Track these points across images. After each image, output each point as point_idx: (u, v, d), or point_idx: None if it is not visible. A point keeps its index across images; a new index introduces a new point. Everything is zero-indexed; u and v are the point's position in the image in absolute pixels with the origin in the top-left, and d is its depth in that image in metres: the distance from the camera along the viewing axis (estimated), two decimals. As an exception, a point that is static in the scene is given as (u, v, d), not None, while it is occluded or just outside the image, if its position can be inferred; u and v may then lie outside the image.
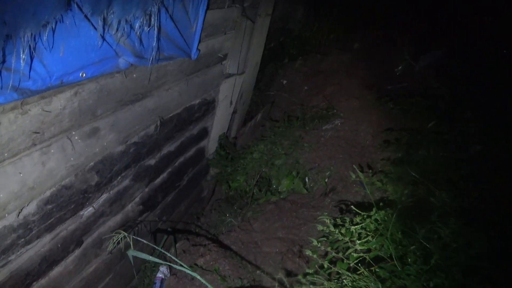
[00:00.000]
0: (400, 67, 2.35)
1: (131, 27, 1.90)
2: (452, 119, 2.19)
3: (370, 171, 2.66)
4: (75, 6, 1.45)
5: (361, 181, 2.66)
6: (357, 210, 1.56)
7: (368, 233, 1.48)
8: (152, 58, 2.20)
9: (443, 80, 2.96)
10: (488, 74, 2.74)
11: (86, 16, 1.54)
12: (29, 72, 1.40)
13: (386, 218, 1.50)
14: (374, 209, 1.56)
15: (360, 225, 1.51)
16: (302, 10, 6.14)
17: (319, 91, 4.53)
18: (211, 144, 3.91)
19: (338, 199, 2.94)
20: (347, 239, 1.48)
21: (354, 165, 3.07)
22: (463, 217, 1.45)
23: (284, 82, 5.16)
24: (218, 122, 3.90)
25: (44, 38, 1.36)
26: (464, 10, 4.26)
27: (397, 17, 5.46)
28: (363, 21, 5.86)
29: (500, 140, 1.60)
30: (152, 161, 2.76)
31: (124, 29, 1.84)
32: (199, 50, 2.78)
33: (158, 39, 2.17)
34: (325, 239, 1.71)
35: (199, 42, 2.73)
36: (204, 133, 3.64)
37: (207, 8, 2.62)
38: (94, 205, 2.16)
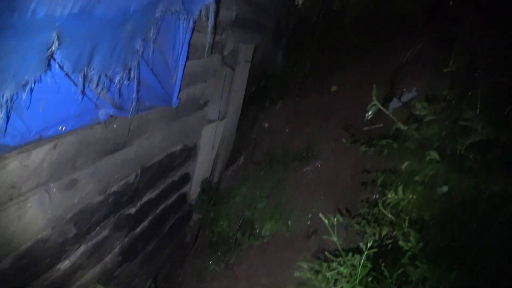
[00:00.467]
0: (370, 112, 2.46)
1: (111, 81, 1.97)
2: (421, 159, 2.29)
3: (348, 216, 2.72)
4: (56, 65, 1.52)
5: (342, 224, 2.70)
6: (331, 257, 1.59)
7: (344, 278, 1.50)
8: (132, 109, 2.26)
9: (411, 121, 3.11)
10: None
11: (67, 74, 1.60)
12: (7, 128, 1.43)
13: (359, 263, 1.53)
14: (349, 254, 1.58)
15: (336, 271, 1.53)
16: (282, 54, 6.41)
17: (299, 133, 4.64)
18: (193, 190, 3.91)
19: (320, 241, 2.95)
20: (323, 285, 1.49)
21: (335, 208, 3.13)
22: (433, 258, 1.49)
23: (266, 125, 5.27)
24: (200, 167, 3.93)
25: (24, 96, 1.40)
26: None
27: (372, 59, 5.72)
28: (340, 63, 6.12)
29: (463, 180, 1.68)
30: (132, 210, 2.75)
31: (104, 84, 1.90)
32: (180, 99, 2.87)
33: (138, 91, 2.24)
34: (304, 286, 1.71)
35: (180, 91, 2.82)
36: (186, 179, 3.65)
37: (187, 59, 2.73)
38: (71, 258, 2.12)
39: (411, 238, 1.59)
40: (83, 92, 1.75)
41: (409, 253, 1.59)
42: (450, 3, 5.43)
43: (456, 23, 4.17)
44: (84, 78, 1.71)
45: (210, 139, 3.93)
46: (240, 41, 4.12)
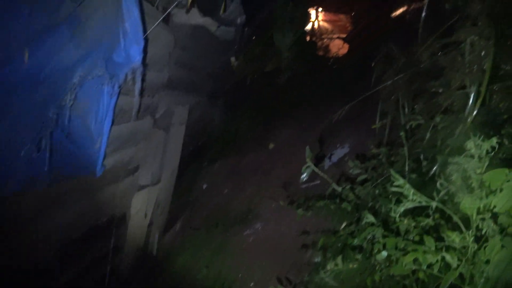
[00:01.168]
0: (304, 174, 2.44)
1: (18, 152, 1.74)
2: (358, 220, 2.28)
3: (289, 284, 2.59)
4: None
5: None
6: None
7: None
8: (45, 182, 2.01)
9: (345, 180, 3.16)
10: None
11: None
12: None
13: None
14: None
15: None
16: (219, 114, 6.44)
17: (239, 193, 4.52)
18: (125, 263, 3.53)
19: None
20: None
21: (277, 275, 2.96)
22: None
23: (204, 186, 5.10)
24: (132, 238, 3.60)
25: None
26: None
27: (306, 117, 5.94)
28: (276, 121, 6.26)
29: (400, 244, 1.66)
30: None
31: (11, 153, 1.67)
32: (105, 166, 2.64)
33: (52, 161, 2.01)
34: None
35: (105, 157, 2.60)
36: (114, 252, 3.30)
37: (114, 123, 2.56)
38: None
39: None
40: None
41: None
42: (373, 65, 5.86)
43: (380, 83, 4.49)
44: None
45: (142, 206, 3.65)
46: (174, 103, 4.04)
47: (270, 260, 3.20)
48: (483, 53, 2.20)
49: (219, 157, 5.61)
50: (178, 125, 4.18)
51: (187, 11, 2.68)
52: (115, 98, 2.45)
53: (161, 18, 2.57)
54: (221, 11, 3.19)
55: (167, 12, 2.71)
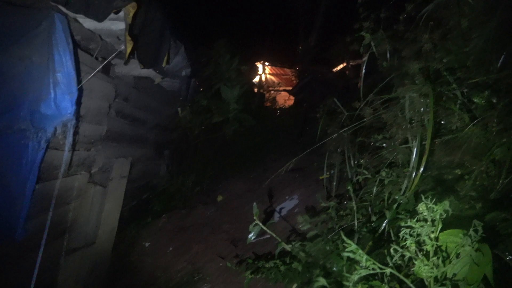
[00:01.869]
0: (252, 233, 2.30)
1: None
2: (309, 281, 2.15)
3: None
4: None
5: None
6: None
7: None
8: None
9: (295, 236, 3.06)
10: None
11: None
12: None
13: None
14: None
15: None
16: (165, 166, 6.19)
17: (184, 251, 4.22)
18: None
19: None
20: None
21: None
22: None
23: (147, 244, 4.72)
24: (60, 309, 3.15)
25: None
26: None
27: (254, 169, 5.88)
28: (224, 174, 6.13)
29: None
30: None
31: None
32: (28, 230, 2.32)
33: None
34: None
35: (28, 219, 2.29)
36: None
37: (40, 181, 2.29)
38: None
39: None
40: None
41: None
42: (318, 117, 6.04)
43: (326, 136, 4.60)
44: None
45: (74, 271, 3.25)
46: (114, 156, 3.80)
47: (218, 328, 2.91)
48: (422, 109, 2.28)
49: (164, 212, 5.30)
50: (118, 179, 3.90)
51: (126, 63, 2.58)
52: (42, 153, 2.21)
53: (98, 69, 2.42)
54: (164, 63, 3.13)
55: (104, 63, 2.58)
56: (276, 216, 3.94)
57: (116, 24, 2.41)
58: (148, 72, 3.51)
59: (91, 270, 3.61)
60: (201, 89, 6.23)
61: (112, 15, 2.23)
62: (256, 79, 14.79)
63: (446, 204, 1.30)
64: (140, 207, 5.49)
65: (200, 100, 5.74)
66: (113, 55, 2.61)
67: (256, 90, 12.91)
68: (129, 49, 2.26)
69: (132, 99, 4.10)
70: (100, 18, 2.04)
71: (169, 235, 4.76)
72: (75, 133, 2.49)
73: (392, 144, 2.65)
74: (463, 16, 2.58)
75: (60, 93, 2.17)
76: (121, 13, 2.16)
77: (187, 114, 5.48)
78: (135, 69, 3.26)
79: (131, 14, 2.14)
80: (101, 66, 2.54)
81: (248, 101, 6.88)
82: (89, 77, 2.42)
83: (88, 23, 2.50)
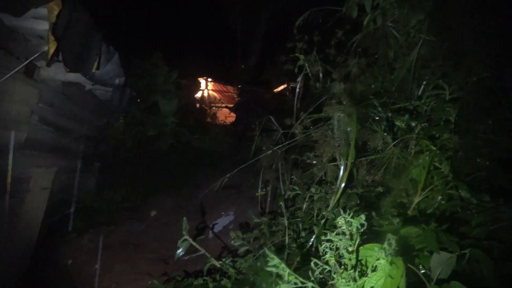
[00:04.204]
0: (181, 249, 2.22)
1: None
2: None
3: None
4: None
5: None
6: None
7: None
8: None
9: (229, 250, 3.03)
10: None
11: None
12: None
13: None
14: None
15: None
16: (93, 179, 5.83)
17: (109, 270, 3.95)
18: None
19: None
20: None
21: None
22: None
23: (69, 262, 4.36)
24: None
25: None
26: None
27: (188, 185, 5.75)
28: (157, 188, 5.92)
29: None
30: None
31: None
32: None
33: None
34: None
35: None
36: None
37: None
38: None
39: None
40: None
41: None
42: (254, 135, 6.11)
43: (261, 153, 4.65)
44: None
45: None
46: (34, 166, 3.49)
47: None
48: (348, 129, 2.39)
49: (90, 228, 4.95)
50: (38, 191, 3.58)
51: (49, 64, 2.40)
52: None
53: (16, 69, 2.23)
54: (94, 69, 2.97)
55: (25, 63, 2.39)
56: (210, 232, 3.87)
57: (39, 23, 2.25)
58: (77, 77, 3.30)
59: (-1, 292, 3.24)
60: (138, 100, 6.03)
61: (35, 14, 2.08)
62: (199, 95, 14.71)
63: (362, 217, 1.35)
64: (63, 222, 5.08)
65: (134, 111, 5.53)
66: (35, 55, 2.42)
67: (198, 105, 12.81)
68: (52, 49, 2.10)
69: (58, 106, 3.83)
70: (18, 13, 1.89)
71: (93, 254, 4.44)
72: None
73: (322, 161, 2.74)
74: (389, 47, 2.79)
75: (-33, 92, 1.95)
76: (45, 12, 2.02)
77: (120, 126, 5.24)
78: (62, 73, 3.05)
79: (55, 13, 2.00)
80: (20, 67, 2.34)
81: (187, 115, 6.78)
82: (5, 77, 2.21)
83: (8, 20, 2.31)
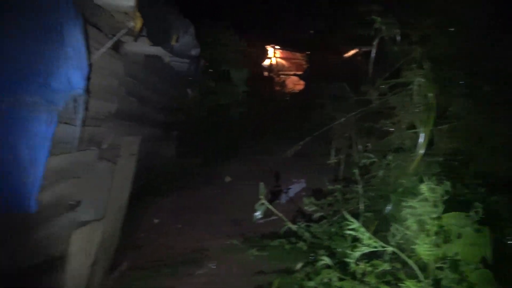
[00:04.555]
0: (258, 212, 2.34)
1: None
2: (314, 261, 2.19)
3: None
4: None
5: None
6: None
7: None
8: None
9: (301, 217, 3.11)
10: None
11: None
12: None
13: None
14: None
15: None
16: (173, 146, 6.25)
17: (191, 230, 4.32)
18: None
19: None
20: None
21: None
22: None
23: (155, 221, 4.83)
24: (72, 280, 3.25)
25: None
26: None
27: (261, 152, 5.92)
28: (231, 155, 6.18)
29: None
30: None
31: None
32: (40, 201, 2.38)
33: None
34: None
35: (41, 191, 2.35)
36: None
37: (51, 154, 2.34)
38: None
39: None
40: None
41: None
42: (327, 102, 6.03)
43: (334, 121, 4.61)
44: None
45: (84, 244, 3.34)
46: (124, 134, 3.85)
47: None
48: (429, 94, 2.28)
49: (171, 192, 5.39)
50: (128, 157, 3.96)
51: (135, 39, 2.59)
52: (53, 127, 2.25)
53: (107, 44, 2.45)
54: (173, 41, 3.13)
55: (114, 39, 2.60)
56: (283, 198, 3.99)
57: (125, 0, 2.42)
58: (157, 51, 3.52)
59: (100, 244, 3.70)
60: (210, 70, 6.24)
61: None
62: (266, 63, 14.71)
63: (447, 185, 1.32)
64: (148, 186, 5.57)
65: (208, 81, 5.75)
66: (122, 32, 2.62)
67: (266, 73, 12.85)
68: (138, 25, 2.27)
69: (141, 78, 4.13)
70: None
71: (176, 214, 4.86)
72: (86, 109, 2.53)
73: (399, 128, 2.65)
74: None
75: (70, 67, 2.19)
76: (131, -12, 2.17)
77: (196, 96, 5.50)
78: (144, 46, 3.28)
79: (141, -11, 2.14)
80: (111, 42, 2.56)
81: (257, 84, 6.87)
82: (99, 52, 2.44)
83: (97, -1, 2.51)
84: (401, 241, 1.55)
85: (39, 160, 2.27)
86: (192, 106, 5.66)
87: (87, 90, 2.39)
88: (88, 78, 2.34)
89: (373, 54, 3.43)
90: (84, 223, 3.27)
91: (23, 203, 2.28)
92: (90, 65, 2.35)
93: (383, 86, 2.97)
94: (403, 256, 1.38)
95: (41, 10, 2.01)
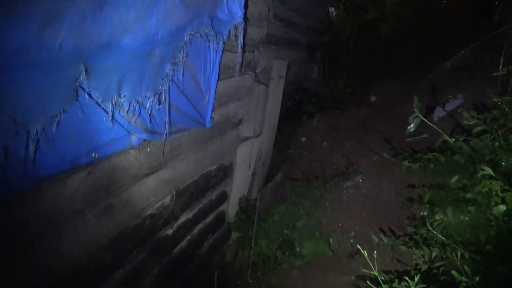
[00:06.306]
0: (412, 125, 2.30)
1: (142, 106, 1.97)
2: (472, 175, 2.10)
3: (393, 235, 2.54)
4: (86, 96, 1.54)
5: (388, 244, 2.53)
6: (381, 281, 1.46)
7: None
8: (165, 133, 2.27)
9: (459, 132, 2.91)
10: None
11: (97, 103, 1.62)
12: (40, 159, 1.45)
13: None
14: (395, 282, 1.45)
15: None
16: (317, 68, 6.32)
17: (338, 147, 4.50)
18: (231, 208, 3.87)
19: (365, 262, 2.78)
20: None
21: (379, 226, 2.95)
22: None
23: (303, 139, 5.17)
24: (238, 186, 3.89)
25: (54, 128, 1.43)
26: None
27: (412, 68, 5.50)
28: (378, 74, 5.93)
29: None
30: (169, 231, 2.74)
31: (135, 109, 1.91)
32: (213, 119, 2.86)
33: (170, 114, 2.24)
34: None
35: (213, 111, 2.81)
36: (223, 198, 3.62)
37: (219, 79, 2.72)
38: (107, 284, 2.12)
39: (466, 268, 1.41)
40: (114, 119, 1.77)
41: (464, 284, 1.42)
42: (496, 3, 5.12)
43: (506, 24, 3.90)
44: (115, 106, 1.72)
45: (246, 157, 3.89)
46: (273, 58, 4.10)
47: (371, 213, 3.19)
48: None
49: (317, 113, 5.58)
50: (278, 78, 4.25)
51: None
52: (220, 54, 2.59)
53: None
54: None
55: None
56: (437, 114, 3.76)
57: None
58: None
59: (259, 157, 4.24)
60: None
61: None
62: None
63: None
64: (295, 108, 5.89)
65: (353, -5, 5.43)
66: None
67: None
68: None
69: (287, 1, 4.21)
70: None
71: (323, 133, 5.08)
72: (244, 36, 2.78)
73: None
74: None
75: (231, -2, 2.43)
76: None
77: (340, 13, 5.30)
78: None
79: None
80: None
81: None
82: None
83: None
84: None
85: (211, 84, 2.69)
86: (337, 25, 5.49)
87: (245, 19, 2.62)
88: (245, 7, 2.55)
89: None
90: (245, 139, 3.78)
91: (203, 121, 2.78)
92: (246, -6, 2.54)
93: None
94: None
95: None
